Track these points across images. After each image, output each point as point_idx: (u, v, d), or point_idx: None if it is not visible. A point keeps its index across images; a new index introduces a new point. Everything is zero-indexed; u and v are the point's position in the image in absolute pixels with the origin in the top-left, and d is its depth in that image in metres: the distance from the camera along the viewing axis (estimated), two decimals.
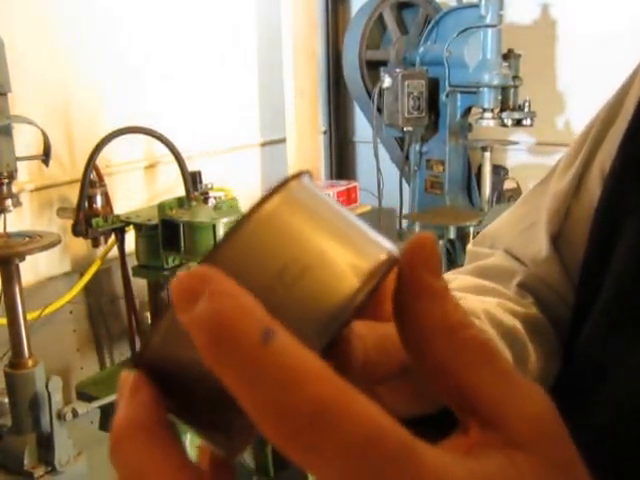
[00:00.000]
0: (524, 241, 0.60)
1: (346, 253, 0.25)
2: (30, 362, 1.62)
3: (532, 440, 0.23)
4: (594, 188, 0.54)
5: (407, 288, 0.25)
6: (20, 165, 1.75)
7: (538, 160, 3.11)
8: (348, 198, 3.06)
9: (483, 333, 0.25)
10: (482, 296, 0.54)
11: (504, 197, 2.86)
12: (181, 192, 2.09)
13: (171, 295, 0.22)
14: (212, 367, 0.22)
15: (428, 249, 0.25)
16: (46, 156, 1.79)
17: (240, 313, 0.21)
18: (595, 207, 0.51)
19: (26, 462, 1.60)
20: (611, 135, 0.54)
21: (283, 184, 0.26)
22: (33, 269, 2.16)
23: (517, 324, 0.50)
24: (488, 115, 2.71)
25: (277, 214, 0.25)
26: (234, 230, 0.24)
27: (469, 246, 0.67)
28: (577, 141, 0.58)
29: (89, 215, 2.07)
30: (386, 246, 0.26)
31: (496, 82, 2.66)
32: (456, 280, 0.58)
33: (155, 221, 2.01)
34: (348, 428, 0.20)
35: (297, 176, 0.27)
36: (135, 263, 2.13)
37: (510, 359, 0.49)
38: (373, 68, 3.06)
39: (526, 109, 2.71)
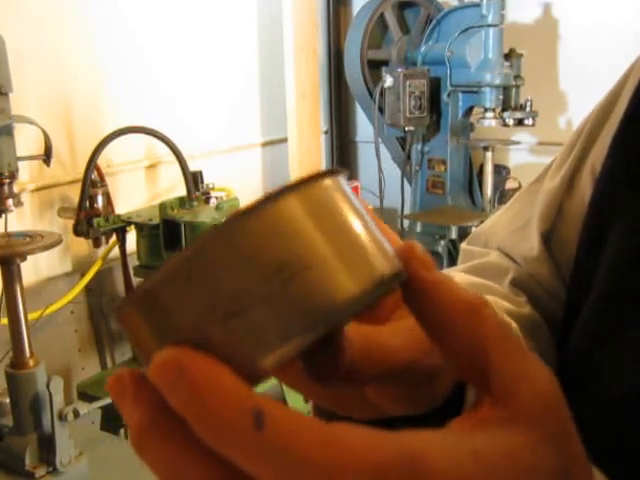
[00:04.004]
0: (516, 239, 0.60)
1: (355, 260, 0.25)
2: (31, 362, 1.62)
3: (540, 416, 0.24)
4: (586, 186, 0.54)
5: (418, 282, 0.27)
6: (21, 165, 1.74)
7: (540, 160, 3.10)
8: None
9: (497, 312, 0.27)
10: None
11: (506, 197, 2.85)
12: (182, 192, 2.09)
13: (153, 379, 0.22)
14: (220, 453, 0.22)
15: (419, 250, 0.28)
16: (47, 156, 1.79)
17: (226, 402, 0.22)
18: (586, 206, 0.51)
19: (27, 462, 1.60)
20: (603, 134, 0.54)
21: (316, 179, 0.26)
22: (34, 269, 2.16)
23: (513, 324, 0.50)
24: (490, 115, 2.70)
25: (296, 208, 0.25)
26: (251, 208, 0.25)
27: (463, 244, 0.67)
28: (570, 139, 0.58)
29: (90, 215, 2.06)
30: (395, 262, 0.27)
31: (498, 82, 2.66)
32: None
33: (156, 221, 2.00)
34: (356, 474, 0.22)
35: (331, 174, 0.26)
36: (136, 263, 2.13)
37: None
38: (375, 68, 3.06)
39: (528, 109, 2.70)
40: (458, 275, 0.58)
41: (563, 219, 0.56)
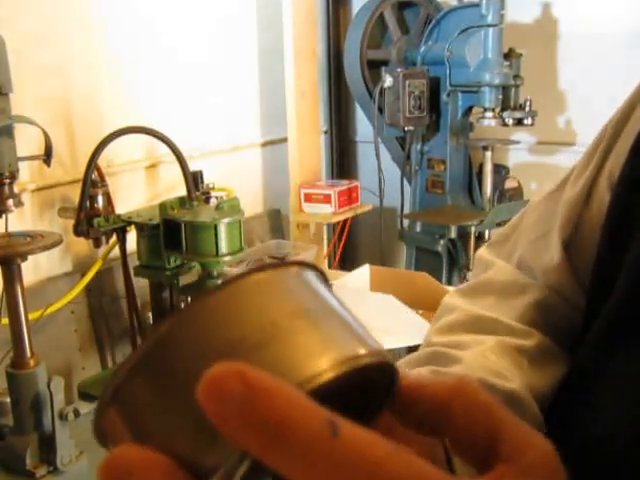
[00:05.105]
0: (536, 249, 0.59)
1: (329, 340, 0.26)
2: (32, 362, 1.62)
3: (543, 471, 0.27)
4: (603, 195, 0.53)
5: (400, 399, 0.29)
6: (22, 165, 1.75)
7: (539, 159, 3.10)
8: (349, 198, 3.07)
9: (478, 392, 0.29)
10: (481, 335, 0.54)
11: (505, 196, 2.86)
12: (182, 192, 2.09)
13: (202, 394, 0.21)
14: (280, 469, 0.21)
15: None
16: (47, 156, 1.80)
17: (301, 410, 0.21)
18: (604, 214, 0.51)
19: (28, 462, 1.60)
20: (621, 141, 0.53)
21: (293, 265, 0.28)
22: (35, 269, 2.16)
23: (513, 385, 0.50)
24: (489, 114, 2.70)
25: (279, 283, 0.26)
26: (231, 281, 0.26)
27: (482, 250, 0.66)
28: (591, 146, 0.58)
29: (90, 215, 2.07)
30: (373, 347, 0.27)
31: (497, 81, 2.66)
32: (455, 311, 0.58)
33: (157, 221, 2.01)
34: None
35: (315, 269, 0.29)
36: (137, 263, 2.13)
37: None
38: (374, 68, 3.06)
39: (527, 108, 2.71)
40: (463, 310, 0.58)
41: (582, 229, 0.56)
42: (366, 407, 0.29)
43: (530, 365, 0.52)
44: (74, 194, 2.17)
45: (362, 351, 0.26)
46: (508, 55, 2.73)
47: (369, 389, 0.29)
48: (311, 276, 0.28)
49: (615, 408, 0.44)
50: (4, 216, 1.72)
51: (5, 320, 1.66)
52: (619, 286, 0.46)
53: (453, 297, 0.61)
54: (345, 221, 3.18)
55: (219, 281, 1.98)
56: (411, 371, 0.50)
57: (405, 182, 3.11)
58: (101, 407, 0.26)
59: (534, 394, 0.50)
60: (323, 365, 0.24)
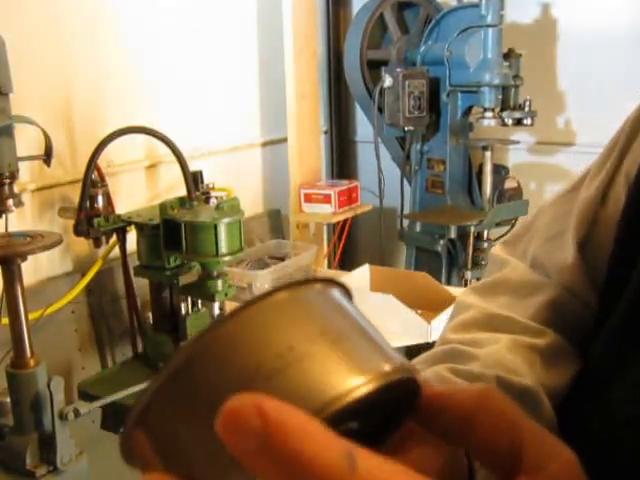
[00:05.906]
0: (550, 249, 0.60)
1: (358, 355, 0.26)
2: (32, 362, 1.62)
3: None
4: (620, 195, 0.54)
5: (426, 400, 0.29)
6: (22, 165, 1.75)
7: (539, 159, 3.11)
8: (349, 198, 3.07)
9: (504, 402, 0.29)
10: (495, 333, 0.55)
11: (505, 196, 2.86)
12: (182, 192, 2.09)
13: (221, 427, 0.21)
14: None
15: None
16: (48, 156, 1.80)
17: (318, 443, 0.21)
18: (620, 215, 0.51)
19: (28, 462, 1.60)
20: (638, 142, 0.54)
21: (327, 283, 0.27)
22: (35, 269, 2.16)
23: (528, 382, 0.50)
24: (489, 114, 2.71)
25: (306, 301, 0.26)
26: (255, 301, 0.25)
27: (497, 248, 0.66)
28: (607, 147, 0.58)
29: (91, 215, 2.07)
30: (396, 364, 0.27)
31: (497, 82, 2.66)
32: (470, 309, 0.59)
33: (157, 221, 2.01)
34: None
35: (338, 285, 0.28)
36: (137, 263, 2.13)
37: None
38: (374, 68, 3.06)
39: (527, 108, 2.71)
40: (478, 308, 0.58)
41: (597, 229, 0.56)
42: (389, 418, 0.29)
43: (543, 363, 0.52)
44: (74, 194, 2.17)
45: (385, 369, 0.25)
46: (508, 55, 2.73)
47: (392, 402, 0.28)
48: (333, 293, 0.28)
49: (627, 407, 0.44)
50: (4, 216, 1.72)
51: (5, 320, 1.66)
52: (632, 285, 0.46)
53: (468, 295, 0.62)
54: (345, 221, 3.18)
55: (219, 282, 1.98)
56: (430, 369, 0.50)
57: (405, 182, 3.11)
58: (128, 428, 0.25)
59: (546, 392, 0.50)
60: (343, 387, 0.24)
